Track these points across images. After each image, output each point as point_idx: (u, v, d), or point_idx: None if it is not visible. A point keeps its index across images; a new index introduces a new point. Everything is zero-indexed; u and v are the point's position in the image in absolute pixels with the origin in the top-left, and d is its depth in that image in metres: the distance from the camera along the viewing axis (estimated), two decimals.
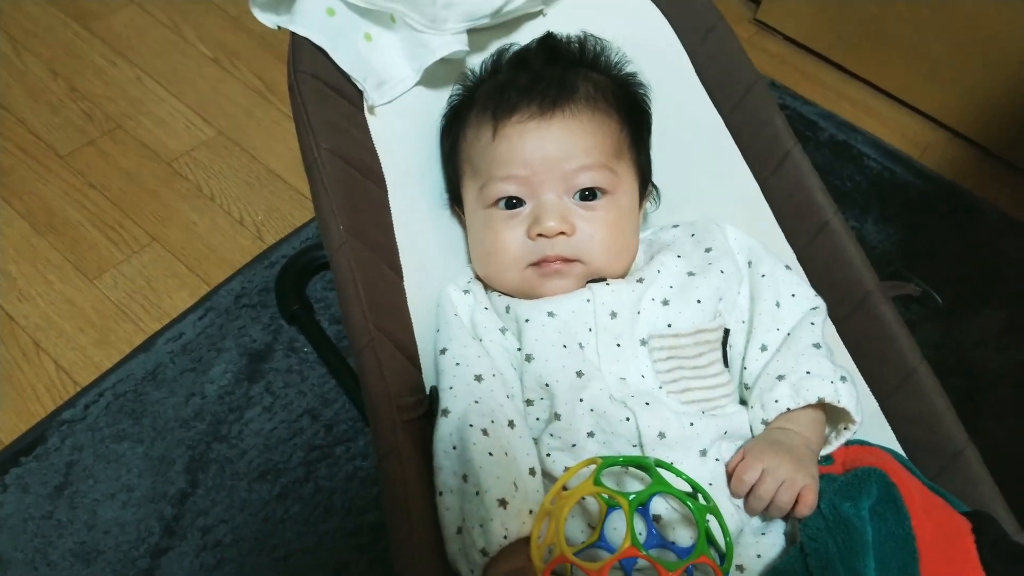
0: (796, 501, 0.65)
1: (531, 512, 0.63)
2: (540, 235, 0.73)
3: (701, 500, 0.62)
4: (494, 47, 0.90)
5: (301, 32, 0.83)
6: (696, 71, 0.94)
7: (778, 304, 0.76)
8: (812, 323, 0.75)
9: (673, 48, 0.95)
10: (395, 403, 0.70)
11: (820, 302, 0.78)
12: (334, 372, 1.12)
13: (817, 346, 0.73)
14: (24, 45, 1.54)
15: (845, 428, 0.72)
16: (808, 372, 0.70)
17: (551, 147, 0.75)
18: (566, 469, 0.66)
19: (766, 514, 0.67)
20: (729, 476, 0.68)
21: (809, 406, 0.70)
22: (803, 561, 0.62)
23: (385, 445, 0.69)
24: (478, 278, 0.81)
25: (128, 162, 1.39)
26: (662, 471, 0.62)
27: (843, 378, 0.71)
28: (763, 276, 0.78)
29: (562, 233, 0.73)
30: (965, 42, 1.45)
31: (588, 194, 0.75)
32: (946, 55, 1.49)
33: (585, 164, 0.75)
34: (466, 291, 0.79)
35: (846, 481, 0.67)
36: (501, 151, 0.76)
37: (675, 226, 0.84)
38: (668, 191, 0.88)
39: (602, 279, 0.75)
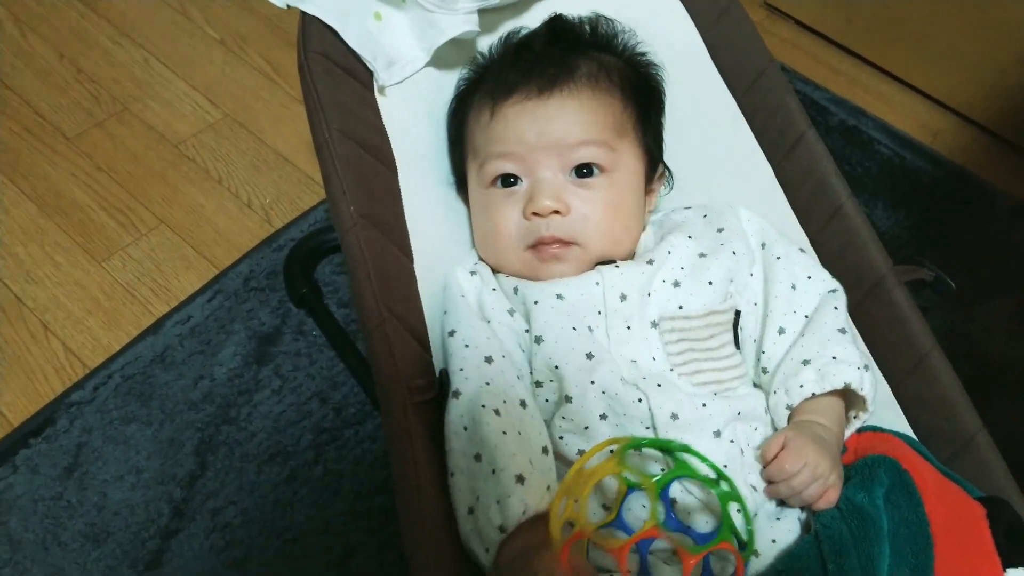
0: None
1: (548, 488, 0.63)
2: (535, 214, 0.73)
3: (724, 486, 0.62)
4: (505, 27, 0.90)
5: (311, 11, 0.83)
6: (709, 53, 0.94)
7: (794, 287, 0.76)
8: (836, 307, 0.74)
9: (686, 30, 0.95)
10: (405, 385, 0.70)
11: (837, 284, 0.77)
12: (342, 355, 1.10)
13: (843, 331, 0.72)
14: (30, 26, 1.53)
15: (855, 417, 0.72)
16: (834, 357, 0.70)
17: (547, 124, 0.74)
18: (580, 452, 0.66)
19: (785, 500, 0.67)
20: (765, 462, 0.67)
21: (833, 392, 0.69)
22: (817, 547, 0.62)
23: (395, 427, 0.69)
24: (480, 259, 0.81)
25: (135, 144, 1.39)
26: (685, 456, 0.61)
27: (866, 366, 0.70)
28: (778, 258, 0.77)
29: (556, 212, 0.73)
30: (977, 28, 1.44)
31: (585, 171, 0.75)
32: (958, 41, 1.47)
33: (582, 140, 0.74)
34: (473, 272, 0.79)
35: (857, 471, 0.66)
36: (498, 130, 0.76)
37: (687, 208, 0.84)
38: (681, 174, 0.88)
39: (611, 261, 0.75)
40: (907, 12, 1.50)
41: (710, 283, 0.74)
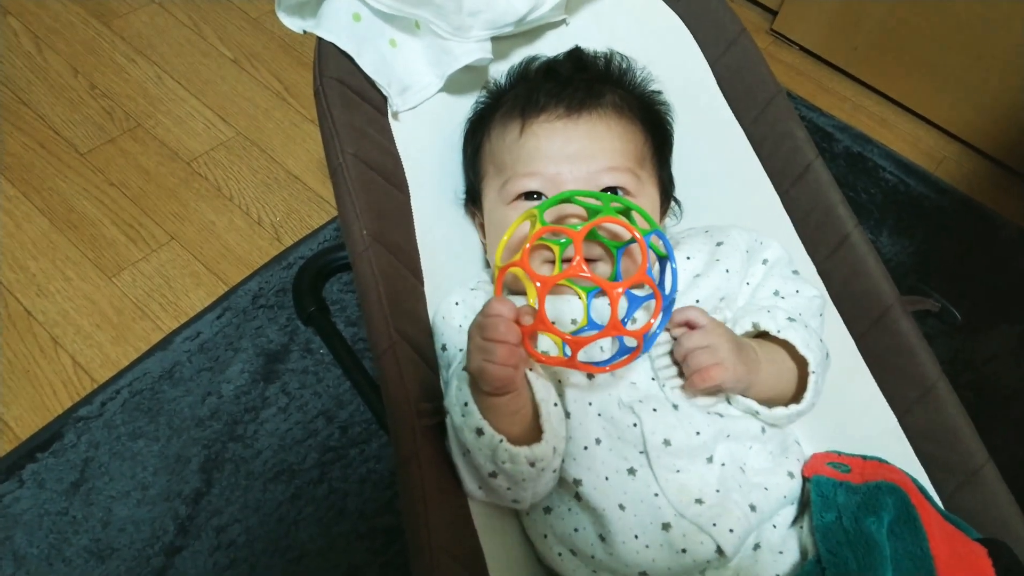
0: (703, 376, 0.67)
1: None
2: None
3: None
4: (517, 56, 0.91)
5: (327, 37, 0.84)
6: (718, 82, 0.94)
7: (777, 292, 0.78)
8: (821, 315, 0.79)
9: (695, 59, 0.96)
10: (414, 408, 0.70)
11: (818, 293, 0.80)
12: (349, 374, 1.11)
13: (806, 326, 0.74)
14: (46, 42, 1.55)
15: (795, 403, 0.72)
16: (790, 319, 0.72)
17: (577, 146, 0.75)
18: (575, 481, 0.67)
19: (684, 371, 0.69)
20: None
21: (782, 347, 0.72)
22: (820, 574, 0.62)
23: (404, 451, 0.69)
24: (491, 281, 0.81)
25: (147, 161, 1.40)
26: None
27: (827, 355, 0.73)
28: (771, 271, 0.79)
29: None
30: (982, 56, 1.45)
31: (610, 193, 0.75)
32: (963, 68, 1.49)
33: (610, 165, 0.75)
34: (473, 288, 0.79)
35: (867, 493, 0.66)
36: (528, 148, 0.76)
37: (690, 229, 0.85)
38: (688, 202, 0.88)
39: None
40: (912, 40, 1.52)
41: (697, 301, 0.75)
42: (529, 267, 0.60)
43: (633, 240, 0.69)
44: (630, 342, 0.64)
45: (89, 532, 0.99)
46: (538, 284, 0.59)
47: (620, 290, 0.59)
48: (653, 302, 0.65)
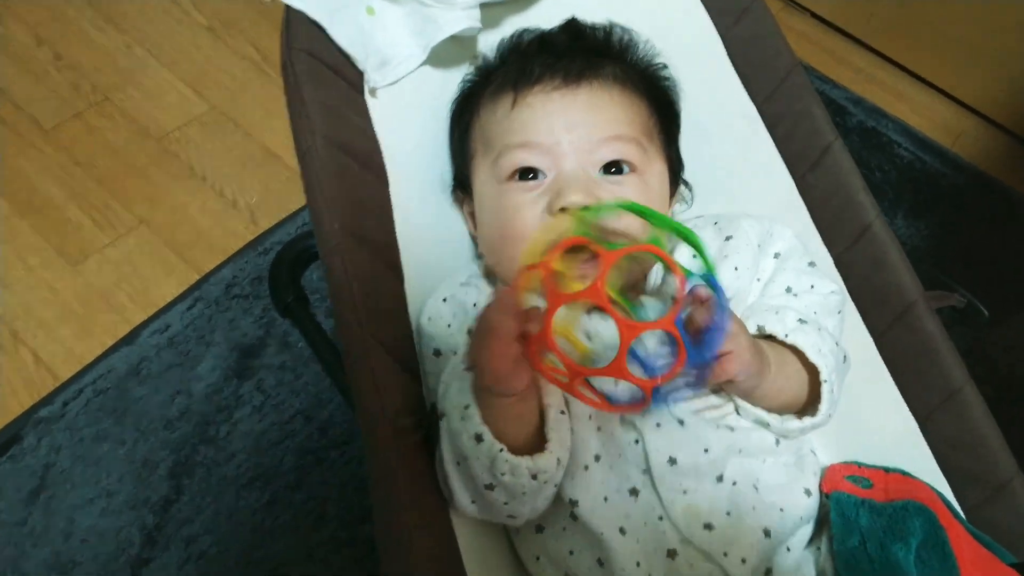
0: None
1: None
2: (563, 210, 0.66)
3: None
4: (508, 25, 0.85)
5: (296, 4, 0.78)
6: (729, 56, 0.89)
7: (789, 289, 0.72)
8: (840, 312, 0.73)
9: (704, 30, 0.91)
10: (392, 424, 0.65)
11: (837, 287, 0.74)
12: (329, 370, 1.06)
13: (821, 328, 0.68)
14: (7, 8, 1.48)
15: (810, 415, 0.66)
16: (801, 320, 0.66)
17: (577, 115, 0.69)
18: (571, 501, 0.62)
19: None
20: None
21: (793, 354, 0.66)
22: None
23: (380, 470, 0.65)
24: (484, 276, 0.76)
25: (116, 137, 1.34)
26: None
27: (843, 359, 0.68)
28: (783, 266, 0.74)
29: (587, 209, 0.67)
30: (1003, 26, 1.41)
31: (614, 169, 0.69)
32: (983, 39, 1.44)
33: (614, 134, 0.69)
34: (464, 283, 0.74)
35: (893, 515, 0.62)
36: (522, 117, 0.70)
37: (698, 217, 0.79)
38: (697, 187, 0.83)
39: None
40: (930, 8, 1.47)
41: None
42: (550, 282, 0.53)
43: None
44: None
45: (49, 544, 0.96)
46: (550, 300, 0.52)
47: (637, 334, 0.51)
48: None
